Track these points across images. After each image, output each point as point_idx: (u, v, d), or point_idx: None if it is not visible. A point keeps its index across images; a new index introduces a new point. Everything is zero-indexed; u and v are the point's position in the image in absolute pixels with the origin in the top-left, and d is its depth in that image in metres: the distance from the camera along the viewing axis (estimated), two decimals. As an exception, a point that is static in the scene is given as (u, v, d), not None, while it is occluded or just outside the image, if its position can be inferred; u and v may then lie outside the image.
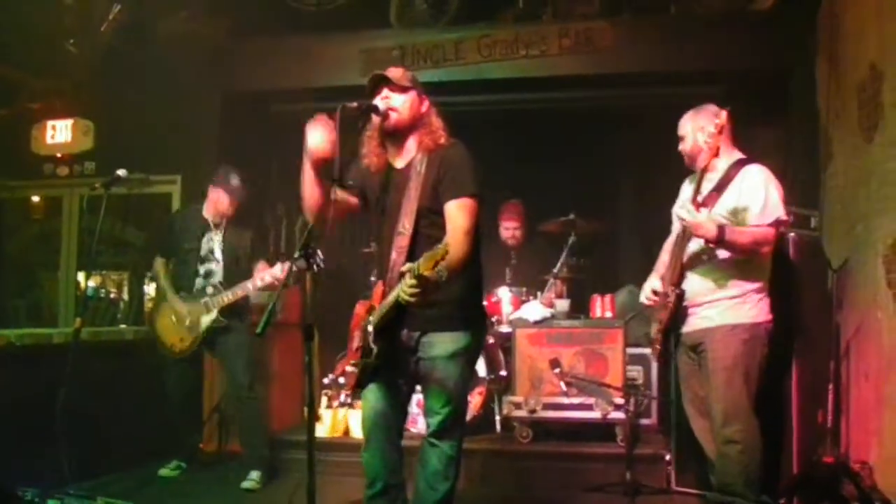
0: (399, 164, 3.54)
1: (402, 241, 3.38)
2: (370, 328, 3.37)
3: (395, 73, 3.50)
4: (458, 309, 3.42)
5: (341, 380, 5.89)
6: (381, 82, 3.48)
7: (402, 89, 3.47)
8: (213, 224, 5.49)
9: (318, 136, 3.35)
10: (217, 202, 5.46)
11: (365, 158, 3.58)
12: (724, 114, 3.85)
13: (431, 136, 3.47)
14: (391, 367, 3.47)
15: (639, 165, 7.36)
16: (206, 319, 5.30)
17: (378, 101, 3.45)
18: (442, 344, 3.40)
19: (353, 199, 3.63)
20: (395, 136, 3.51)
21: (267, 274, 5.07)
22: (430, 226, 3.39)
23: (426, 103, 3.55)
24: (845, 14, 5.33)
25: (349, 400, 5.81)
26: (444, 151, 3.44)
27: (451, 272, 3.04)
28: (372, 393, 3.55)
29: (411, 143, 3.51)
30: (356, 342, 3.51)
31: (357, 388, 3.58)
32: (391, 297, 3.21)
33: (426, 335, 3.41)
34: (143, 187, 6.85)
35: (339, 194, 3.40)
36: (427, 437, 3.47)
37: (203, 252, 5.45)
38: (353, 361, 3.51)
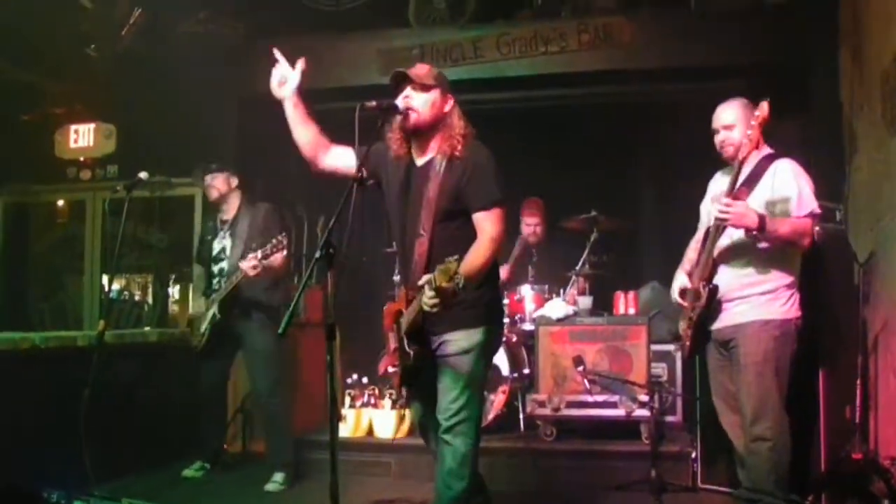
0: (419, 161, 3.52)
1: (422, 244, 3.38)
2: (402, 334, 3.38)
3: (418, 70, 3.47)
4: (473, 307, 3.39)
5: (365, 379, 5.91)
6: (403, 80, 3.44)
7: (424, 88, 3.42)
8: (221, 223, 5.54)
9: (271, 78, 3.61)
10: (209, 197, 5.56)
11: (391, 151, 3.57)
12: (765, 105, 3.75)
13: (451, 139, 3.42)
14: (431, 370, 3.45)
15: (660, 161, 7.32)
16: (209, 315, 5.36)
17: (398, 100, 3.42)
18: (457, 341, 3.38)
19: (348, 165, 3.58)
20: (415, 134, 3.48)
21: (246, 261, 4.97)
22: (448, 228, 3.39)
23: (450, 102, 3.50)
24: (868, 4, 5.27)
25: (373, 400, 5.81)
26: (467, 155, 3.40)
27: (473, 279, 3.12)
28: (418, 403, 3.67)
29: (432, 143, 3.48)
30: (392, 343, 3.53)
31: (401, 388, 3.67)
32: (415, 305, 3.24)
33: (444, 335, 3.40)
34: (165, 190, 6.89)
35: (334, 157, 3.61)
36: (441, 434, 3.40)
37: (215, 252, 5.50)
38: (394, 363, 3.52)
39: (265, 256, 4.87)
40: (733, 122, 3.98)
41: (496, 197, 3.35)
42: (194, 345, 5.49)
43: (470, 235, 3.32)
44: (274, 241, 4.85)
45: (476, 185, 3.35)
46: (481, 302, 3.47)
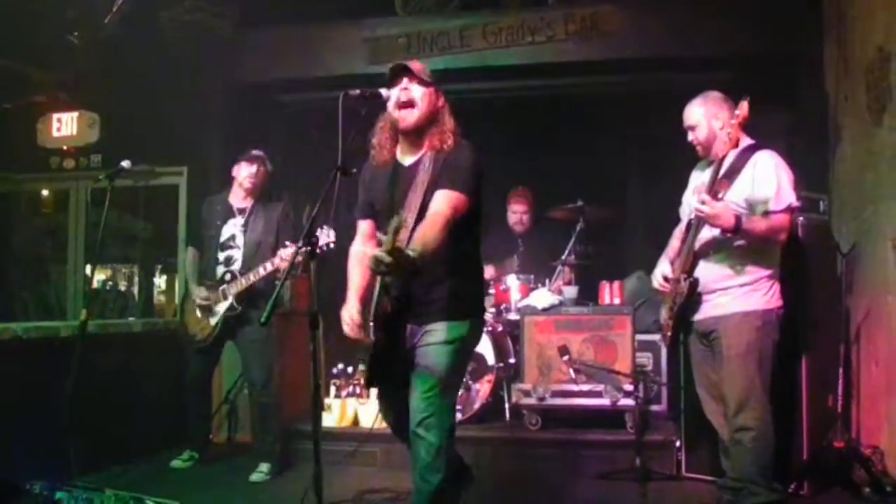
0: (407, 161, 3.53)
1: (403, 235, 3.22)
2: (370, 320, 3.37)
3: (416, 65, 3.49)
4: (457, 300, 3.40)
5: (350, 369, 5.91)
6: (403, 72, 3.45)
7: (423, 82, 3.45)
8: (238, 210, 5.43)
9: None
10: (233, 187, 5.45)
11: (373, 150, 3.59)
12: (745, 105, 3.76)
13: (442, 136, 3.44)
14: (401, 368, 3.39)
15: (646, 151, 7.33)
16: (222, 307, 5.26)
17: (396, 91, 3.43)
18: (438, 332, 3.35)
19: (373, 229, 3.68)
20: (412, 129, 3.48)
21: (275, 259, 5.00)
22: None
23: (442, 100, 3.53)
24: (852, -4, 5.30)
25: (357, 389, 5.80)
26: (452, 151, 3.42)
27: (425, 254, 3.05)
28: (388, 405, 3.67)
29: (423, 140, 3.49)
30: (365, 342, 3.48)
31: (368, 387, 3.55)
32: (379, 283, 3.26)
33: (428, 324, 3.37)
34: (149, 179, 6.85)
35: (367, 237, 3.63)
36: (413, 428, 3.32)
37: (224, 238, 5.38)
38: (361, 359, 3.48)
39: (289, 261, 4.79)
40: (695, 122, 4.03)
41: (461, 187, 3.32)
42: (199, 338, 5.38)
43: (452, 232, 3.27)
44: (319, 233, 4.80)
45: (450, 171, 3.35)
46: (468, 294, 3.50)
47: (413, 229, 3.26)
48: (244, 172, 5.39)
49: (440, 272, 3.33)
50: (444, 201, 3.29)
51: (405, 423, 3.40)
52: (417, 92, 3.43)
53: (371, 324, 3.36)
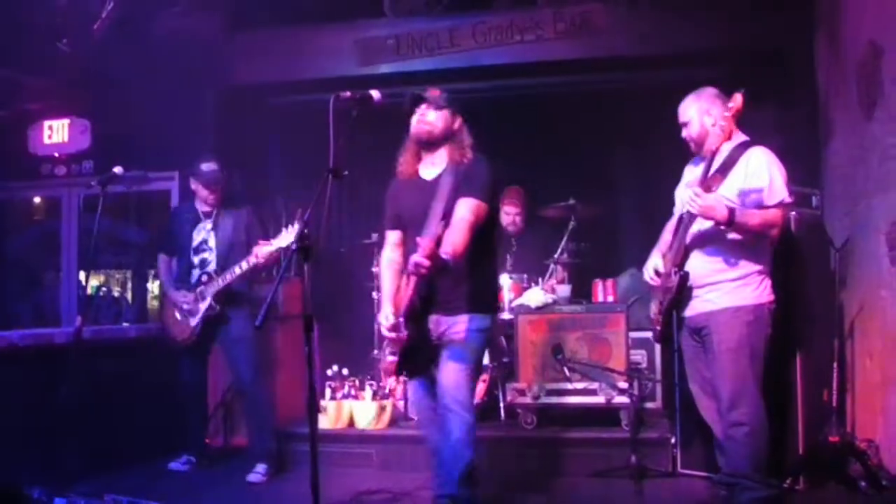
0: (429, 175, 3.94)
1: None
2: (399, 318, 3.75)
3: (433, 92, 3.96)
4: (480, 295, 3.90)
5: (345, 371, 5.91)
6: (419, 101, 3.90)
7: (438, 107, 3.90)
8: (204, 214, 5.47)
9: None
10: (197, 192, 5.48)
11: (399, 167, 4.06)
12: (738, 97, 3.76)
13: (460, 151, 3.89)
14: (425, 356, 3.87)
15: (638, 148, 7.33)
16: (201, 307, 5.29)
17: (416, 115, 3.90)
18: (466, 323, 3.81)
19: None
20: (428, 146, 3.94)
21: (250, 257, 5.03)
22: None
23: (459, 121, 3.96)
24: (843, -10, 5.31)
25: (353, 391, 5.81)
26: (470, 163, 3.86)
27: (455, 257, 3.57)
28: (417, 384, 4.04)
29: (442, 156, 3.92)
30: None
31: (397, 376, 4.15)
32: (410, 283, 3.69)
33: (458, 316, 3.81)
34: (141, 185, 6.84)
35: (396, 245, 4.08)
36: (447, 404, 3.75)
37: (196, 243, 5.43)
38: (390, 349, 3.85)
39: (266, 256, 4.93)
40: (687, 118, 4.05)
41: (476, 194, 3.76)
42: (181, 339, 5.40)
43: (474, 236, 3.74)
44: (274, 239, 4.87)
45: (469, 181, 3.77)
46: (488, 290, 4.08)
47: (437, 236, 3.63)
48: (202, 191, 5.44)
49: (464, 270, 3.75)
50: (466, 208, 3.74)
51: (427, 403, 3.94)
52: (432, 116, 3.89)
53: (401, 320, 3.74)
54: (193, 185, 5.48)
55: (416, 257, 3.45)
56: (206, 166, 5.40)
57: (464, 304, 3.82)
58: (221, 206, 5.46)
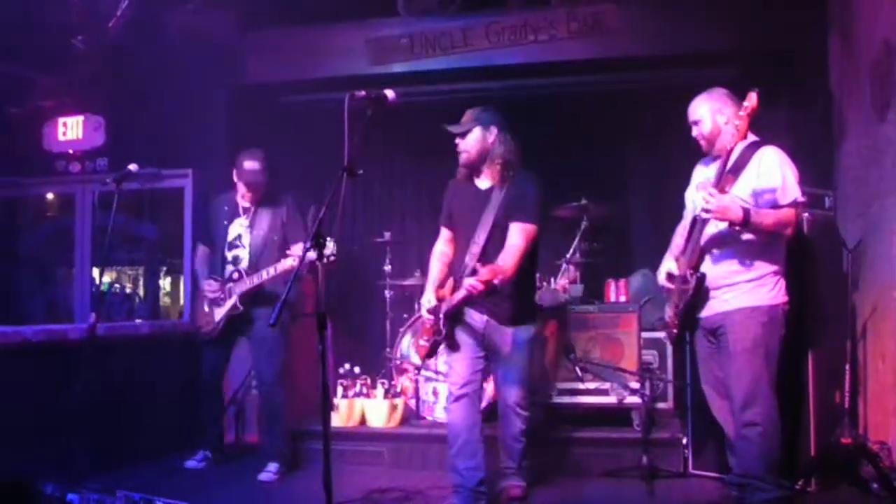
0: (483, 185, 4.43)
1: (475, 250, 4.29)
2: (441, 314, 4.28)
3: (465, 117, 4.43)
4: (526, 308, 4.48)
5: (357, 369, 5.92)
6: (452, 136, 4.39)
7: (465, 133, 4.36)
8: (243, 209, 5.46)
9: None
10: (238, 186, 5.46)
11: (459, 172, 4.51)
12: (754, 96, 3.73)
13: (497, 169, 4.35)
14: (467, 345, 4.37)
15: (650, 148, 7.31)
16: (227, 304, 5.30)
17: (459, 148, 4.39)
18: (518, 334, 4.38)
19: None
20: (471, 167, 4.42)
21: (281, 263, 5.03)
22: (497, 240, 4.26)
23: (493, 135, 4.37)
24: (856, -10, 5.29)
25: (365, 389, 5.82)
26: (519, 183, 4.33)
27: (508, 278, 4.04)
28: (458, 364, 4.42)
29: (486, 171, 4.41)
30: (429, 324, 4.41)
31: (426, 359, 4.79)
32: (460, 294, 4.10)
33: (503, 325, 4.35)
34: (154, 182, 6.86)
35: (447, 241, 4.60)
36: (512, 405, 4.45)
37: (231, 238, 5.42)
38: (425, 337, 4.44)
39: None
40: (699, 117, 4.05)
41: (530, 219, 4.25)
42: (205, 330, 5.42)
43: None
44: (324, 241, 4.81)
45: (520, 203, 4.26)
46: (531, 302, 4.64)
47: (484, 245, 4.27)
48: (241, 187, 5.43)
49: (511, 285, 4.20)
50: (519, 235, 4.22)
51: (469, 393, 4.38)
52: (464, 144, 4.37)
53: (441, 317, 4.28)
54: (235, 178, 5.46)
55: (473, 281, 3.89)
56: (249, 164, 5.37)
57: (511, 316, 4.33)
58: (260, 203, 5.44)
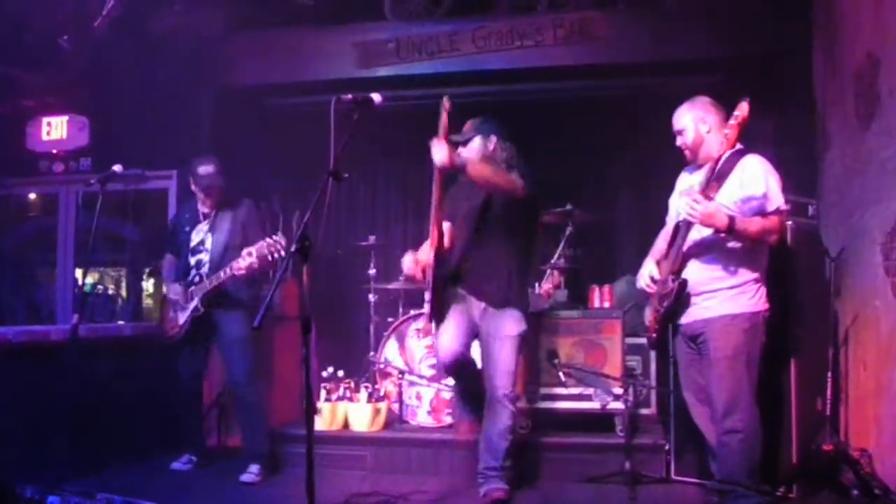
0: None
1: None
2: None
3: (465, 127, 4.61)
4: (522, 289, 4.70)
5: (340, 372, 5.91)
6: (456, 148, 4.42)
7: (467, 142, 4.55)
8: (203, 214, 5.47)
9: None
10: (196, 193, 5.47)
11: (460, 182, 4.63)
12: (745, 106, 3.73)
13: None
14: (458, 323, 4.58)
15: (635, 155, 7.34)
16: (189, 306, 5.30)
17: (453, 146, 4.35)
18: (510, 323, 4.51)
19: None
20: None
21: (237, 262, 4.97)
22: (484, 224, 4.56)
23: (492, 142, 4.58)
24: (840, 2, 5.32)
25: (348, 393, 5.80)
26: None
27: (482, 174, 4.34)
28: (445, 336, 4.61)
29: None
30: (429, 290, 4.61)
31: (431, 320, 4.75)
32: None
33: (492, 308, 4.51)
34: (139, 183, 6.84)
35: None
36: (502, 397, 4.44)
37: (194, 244, 5.42)
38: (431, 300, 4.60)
39: (261, 257, 4.83)
40: (683, 126, 4.07)
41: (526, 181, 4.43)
42: (169, 334, 5.43)
43: (510, 247, 4.55)
44: (269, 240, 4.79)
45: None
46: (527, 290, 4.78)
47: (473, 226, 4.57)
48: (200, 174, 5.40)
49: (504, 266, 4.48)
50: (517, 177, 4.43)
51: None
52: (467, 153, 4.49)
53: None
54: (192, 185, 5.47)
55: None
56: (203, 169, 5.36)
57: (503, 297, 4.48)
58: (219, 208, 5.45)
